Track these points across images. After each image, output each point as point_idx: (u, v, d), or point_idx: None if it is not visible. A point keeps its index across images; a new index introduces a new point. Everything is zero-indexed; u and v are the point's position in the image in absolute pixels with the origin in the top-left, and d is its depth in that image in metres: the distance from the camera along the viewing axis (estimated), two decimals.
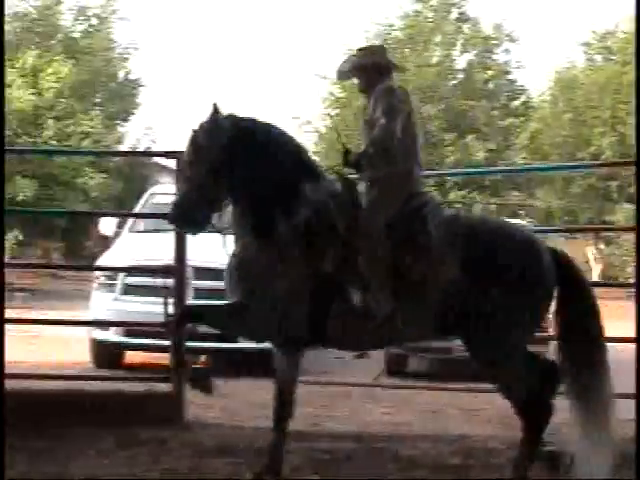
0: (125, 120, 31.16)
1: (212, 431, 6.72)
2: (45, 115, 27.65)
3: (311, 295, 5.13)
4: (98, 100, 30.21)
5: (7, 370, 6.06)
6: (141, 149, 28.77)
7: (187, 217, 5.17)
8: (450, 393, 8.45)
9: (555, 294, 5.26)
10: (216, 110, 5.24)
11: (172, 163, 6.26)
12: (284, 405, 5.31)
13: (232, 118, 5.33)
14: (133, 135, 31.19)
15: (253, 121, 5.43)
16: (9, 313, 6.63)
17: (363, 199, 5.28)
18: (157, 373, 6.65)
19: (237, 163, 5.19)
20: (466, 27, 32.35)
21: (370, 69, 5.50)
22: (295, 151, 5.45)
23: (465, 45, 32.06)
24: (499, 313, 5.05)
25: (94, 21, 30.91)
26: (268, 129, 5.40)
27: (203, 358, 8.69)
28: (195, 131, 5.26)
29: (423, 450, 6.27)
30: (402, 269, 5.08)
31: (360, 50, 5.72)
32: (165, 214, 5.58)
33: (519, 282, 5.07)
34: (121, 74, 31.09)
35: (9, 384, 5.81)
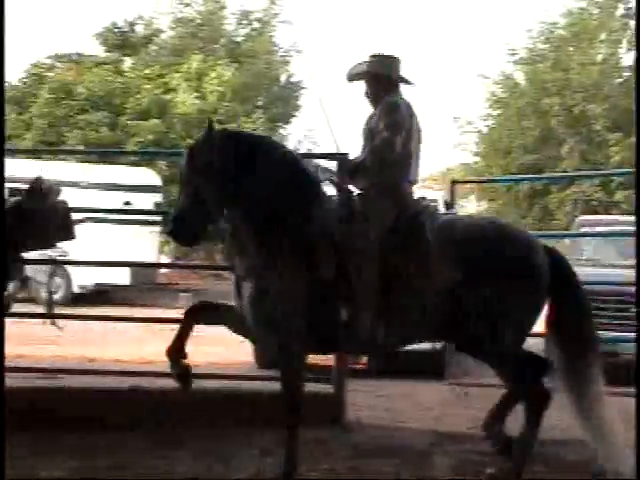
0: (287, 123, 31.51)
1: (373, 432, 6.72)
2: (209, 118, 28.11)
3: (316, 304, 5.20)
4: (260, 103, 30.64)
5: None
6: (302, 151, 29.05)
7: (184, 231, 5.27)
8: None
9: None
10: (211, 127, 5.36)
11: (333, 165, 6.23)
12: None
13: (227, 133, 5.50)
14: (294, 138, 31.54)
15: (248, 136, 5.63)
16: (172, 313, 6.76)
17: (358, 211, 5.37)
18: (319, 374, 6.64)
19: (233, 178, 5.27)
20: (633, 23, 31.33)
21: (381, 79, 5.61)
22: (292, 164, 5.48)
23: (631, 42, 31.05)
24: (498, 313, 5.20)
25: (256, 25, 31.42)
26: (264, 143, 5.53)
27: (363, 359, 8.69)
28: (191, 148, 5.40)
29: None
30: (401, 277, 5.18)
31: (374, 57, 5.72)
32: None
33: (516, 282, 5.23)
34: (283, 77, 31.48)
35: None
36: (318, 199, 5.42)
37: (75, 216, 6.79)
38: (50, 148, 24.25)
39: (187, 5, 31.26)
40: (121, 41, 31.38)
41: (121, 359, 10.47)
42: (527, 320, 5.39)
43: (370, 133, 5.54)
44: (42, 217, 6.34)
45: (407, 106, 5.57)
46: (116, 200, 18.80)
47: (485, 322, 5.21)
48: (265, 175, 5.32)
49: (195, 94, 27.75)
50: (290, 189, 5.35)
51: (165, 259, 24.80)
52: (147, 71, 28.31)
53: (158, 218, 19.46)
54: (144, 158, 23.80)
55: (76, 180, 18.51)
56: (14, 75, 31.29)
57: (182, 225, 5.23)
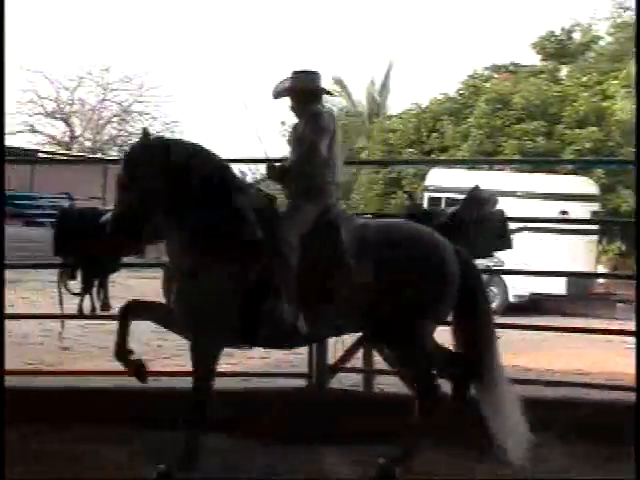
0: None
1: None
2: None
3: (241, 301, 5.59)
4: None
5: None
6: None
7: (122, 234, 5.65)
8: None
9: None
10: (146, 134, 5.74)
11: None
12: None
13: (161, 141, 5.85)
14: None
15: (180, 142, 5.95)
16: (609, 325, 6.57)
17: (282, 211, 5.83)
18: None
19: (167, 183, 5.62)
20: None
21: (303, 92, 6.07)
22: (221, 169, 5.87)
23: None
24: (408, 310, 5.68)
25: None
26: (194, 149, 5.85)
27: None
28: (126, 155, 5.73)
29: None
30: (317, 275, 5.60)
31: (297, 73, 6.15)
32: None
33: (425, 280, 5.69)
34: None
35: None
36: (243, 204, 5.76)
37: (512, 225, 6.80)
38: (486, 158, 24.68)
39: (626, 9, 30.40)
40: (558, 49, 31.23)
41: (554, 368, 10.39)
42: (430, 312, 5.79)
43: (296, 140, 6.02)
44: (479, 226, 6.48)
45: (329, 114, 6.09)
46: (552, 209, 18.72)
47: (392, 313, 5.67)
48: (193, 182, 5.68)
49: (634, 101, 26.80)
50: (216, 194, 5.73)
51: (602, 269, 24.24)
52: (584, 79, 27.88)
53: (595, 227, 19.08)
54: (581, 166, 23.46)
55: (512, 189, 18.68)
56: (451, 87, 32.29)
57: (119, 229, 5.62)
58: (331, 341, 6.89)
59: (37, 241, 16.06)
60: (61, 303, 6.80)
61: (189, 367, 5.95)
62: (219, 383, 5.97)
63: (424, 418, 5.83)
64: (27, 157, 27.84)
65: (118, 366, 6.05)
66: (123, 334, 5.92)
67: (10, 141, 28.45)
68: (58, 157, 33.15)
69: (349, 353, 7.44)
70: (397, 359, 6.16)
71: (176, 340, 6.40)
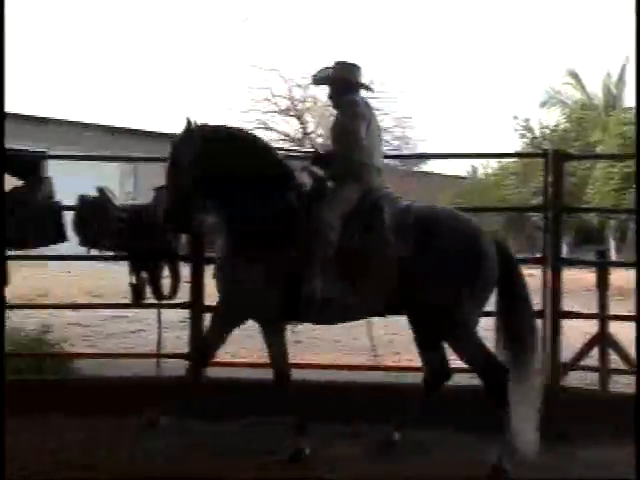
0: None
1: None
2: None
3: (283, 279, 5.87)
4: None
5: None
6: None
7: (173, 221, 6.06)
8: None
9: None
10: (189, 123, 5.99)
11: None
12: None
13: (204, 128, 6.07)
14: None
15: (224, 130, 6.17)
16: None
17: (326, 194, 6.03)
18: None
19: (212, 169, 5.95)
20: None
21: (340, 83, 6.30)
22: (264, 151, 6.19)
23: None
24: (442, 291, 5.83)
25: None
26: (238, 136, 6.16)
27: None
28: (172, 145, 6.03)
29: None
30: (359, 253, 5.84)
31: (338, 64, 6.38)
32: None
33: (459, 264, 5.85)
34: None
35: None
36: (288, 186, 6.05)
37: None
38: None
39: None
40: None
41: None
42: (469, 296, 5.87)
43: (334, 128, 6.26)
44: None
45: (365, 103, 6.28)
46: None
47: (431, 294, 5.82)
48: (237, 166, 5.97)
49: None
50: (259, 178, 5.99)
51: None
52: None
53: None
54: None
55: None
56: None
57: (172, 215, 6.01)
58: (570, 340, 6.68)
59: None
60: None
61: (419, 363, 6.11)
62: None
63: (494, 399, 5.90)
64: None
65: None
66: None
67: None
68: (292, 153, 33.89)
69: (583, 351, 7.28)
70: (450, 345, 6.16)
71: (407, 335, 6.37)
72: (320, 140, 44.93)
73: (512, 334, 6.04)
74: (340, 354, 9.77)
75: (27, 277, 10.23)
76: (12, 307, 7.62)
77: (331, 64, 6.45)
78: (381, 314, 6.28)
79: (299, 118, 45.09)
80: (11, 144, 7.04)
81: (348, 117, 6.17)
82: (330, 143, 6.39)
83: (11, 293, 7.30)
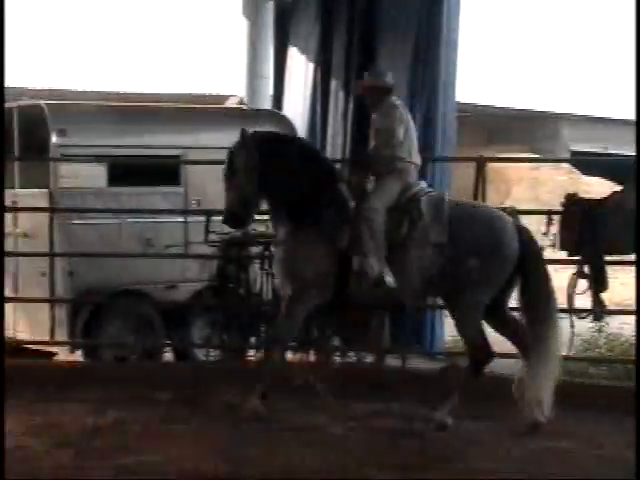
0: None
1: None
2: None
3: (335, 265, 6.68)
4: None
5: None
6: None
7: (234, 218, 6.79)
8: None
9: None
10: (245, 131, 6.75)
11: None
12: None
13: (260, 135, 6.90)
14: None
15: (275, 136, 7.24)
16: None
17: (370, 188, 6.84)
18: None
19: (269, 171, 6.70)
20: None
21: (376, 89, 7.04)
22: (312, 152, 7.35)
23: None
24: (471, 275, 6.54)
25: None
26: (288, 141, 7.25)
27: None
28: (231, 150, 6.79)
29: None
30: (399, 240, 6.64)
31: (370, 72, 7.29)
32: None
33: (486, 250, 6.56)
34: None
35: None
36: (335, 183, 6.89)
37: None
38: None
39: None
40: None
41: None
42: (491, 285, 6.65)
43: (375, 130, 6.98)
44: None
45: (402, 105, 7.06)
46: None
47: (458, 279, 6.57)
48: (290, 167, 6.77)
49: None
50: (309, 176, 6.80)
51: None
52: None
53: None
54: None
55: None
56: None
57: (232, 214, 6.73)
58: None
59: None
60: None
61: None
62: None
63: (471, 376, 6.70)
64: None
65: None
66: None
67: None
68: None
69: None
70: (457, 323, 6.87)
71: None
72: None
73: (533, 311, 6.75)
74: None
75: (626, 284, 9.92)
76: (610, 313, 8.18)
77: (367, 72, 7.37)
78: (423, 297, 7.27)
79: None
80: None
81: (387, 120, 6.91)
82: (371, 143, 7.12)
83: (609, 300, 7.70)
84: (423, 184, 7.06)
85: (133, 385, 7.39)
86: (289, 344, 7.39)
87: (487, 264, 6.57)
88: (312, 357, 8.23)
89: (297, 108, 11.38)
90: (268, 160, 6.77)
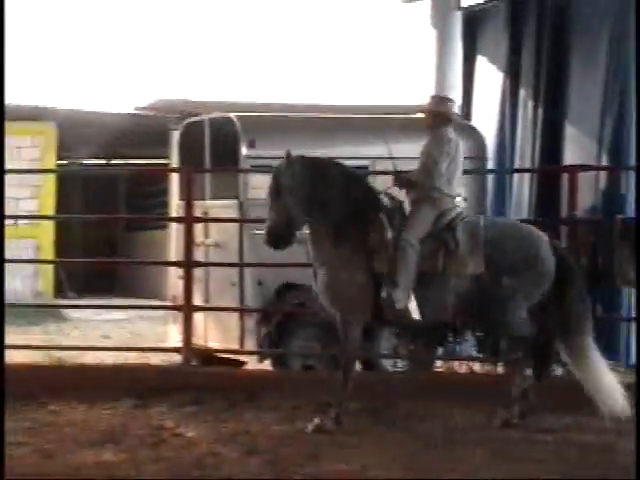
0: None
1: None
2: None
3: (372, 288, 6.86)
4: None
5: None
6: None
7: (277, 238, 6.85)
8: None
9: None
10: (289, 154, 6.83)
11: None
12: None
13: (302, 158, 6.94)
14: None
15: (320, 160, 7.14)
16: None
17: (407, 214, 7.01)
18: None
19: (309, 194, 6.85)
20: None
21: (433, 115, 7.18)
22: (353, 176, 7.23)
23: None
24: (509, 297, 6.87)
25: None
26: (332, 165, 7.11)
27: None
28: (275, 172, 6.89)
29: None
30: (436, 271, 6.85)
31: (434, 97, 7.78)
32: None
33: (524, 272, 6.88)
34: None
35: None
36: (375, 208, 6.99)
37: None
38: None
39: None
40: None
41: None
42: (528, 300, 6.96)
43: (422, 155, 7.08)
44: None
45: (455, 139, 7.08)
46: None
47: (496, 302, 6.87)
48: (333, 190, 6.90)
49: None
50: (353, 200, 6.93)
51: None
52: None
53: None
54: None
55: None
56: None
57: (274, 234, 6.82)
58: None
59: None
60: None
61: None
62: None
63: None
64: None
65: None
66: None
67: None
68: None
69: None
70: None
71: None
72: None
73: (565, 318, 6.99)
74: None
75: None
76: None
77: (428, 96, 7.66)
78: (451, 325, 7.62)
79: None
80: None
81: (435, 150, 7.02)
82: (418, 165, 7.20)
83: None
84: (458, 209, 7.15)
85: (320, 394, 7.33)
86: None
87: (523, 280, 6.88)
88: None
89: (486, 118, 11.26)
90: (313, 182, 6.90)
